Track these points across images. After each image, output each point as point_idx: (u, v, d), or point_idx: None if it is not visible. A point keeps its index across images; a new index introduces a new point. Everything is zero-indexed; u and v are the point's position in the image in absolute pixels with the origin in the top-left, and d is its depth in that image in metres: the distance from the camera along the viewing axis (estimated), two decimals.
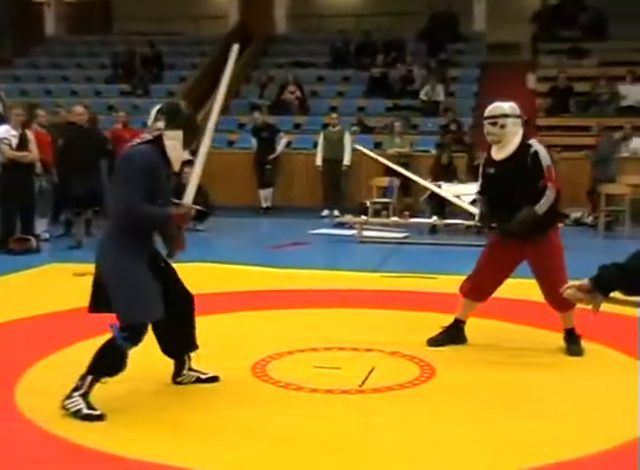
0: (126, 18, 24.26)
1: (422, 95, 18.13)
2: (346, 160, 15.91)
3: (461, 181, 13.91)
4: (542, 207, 6.05)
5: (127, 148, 4.92)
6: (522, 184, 6.07)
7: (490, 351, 6.37)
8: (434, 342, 6.48)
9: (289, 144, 16.90)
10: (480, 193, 6.59)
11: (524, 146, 6.12)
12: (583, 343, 6.42)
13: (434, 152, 15.84)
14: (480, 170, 6.49)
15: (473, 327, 7.08)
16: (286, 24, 23.29)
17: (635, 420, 4.77)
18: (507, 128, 6.12)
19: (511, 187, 6.11)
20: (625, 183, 14.67)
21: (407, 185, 15.47)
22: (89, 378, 4.78)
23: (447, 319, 7.30)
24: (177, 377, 5.42)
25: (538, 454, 4.30)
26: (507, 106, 6.23)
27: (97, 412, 4.74)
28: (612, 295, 3.00)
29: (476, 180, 13.29)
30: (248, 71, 20.85)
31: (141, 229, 4.89)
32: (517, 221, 6.05)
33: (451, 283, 8.95)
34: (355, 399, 5.25)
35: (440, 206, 13.74)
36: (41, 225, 11.97)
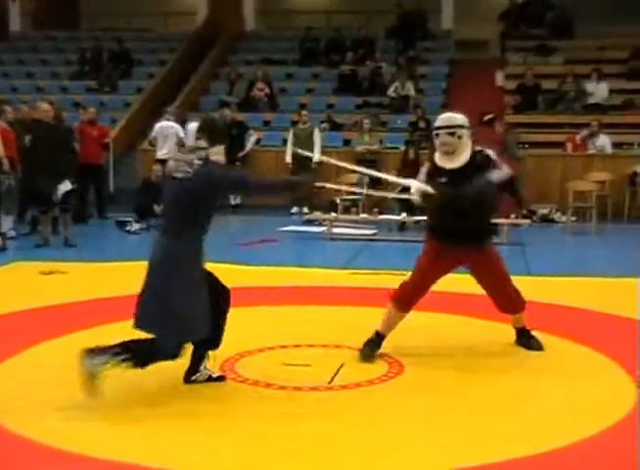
0: (94, 13, 24.13)
1: (390, 92, 18.18)
2: (316, 157, 15.90)
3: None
4: (496, 176, 6.00)
5: (195, 175, 4.98)
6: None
7: (459, 347, 6.39)
8: (364, 356, 6.10)
9: (258, 141, 16.88)
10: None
11: (475, 153, 6.10)
12: (545, 337, 6.51)
13: (403, 149, 15.86)
14: (424, 179, 6.22)
15: (441, 324, 7.12)
16: (255, 21, 23.25)
17: (598, 414, 4.82)
18: (463, 139, 6.08)
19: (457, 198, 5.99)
20: (592, 180, 14.81)
21: (376, 182, 15.49)
22: (124, 355, 4.91)
23: (416, 316, 7.33)
24: (192, 375, 5.35)
25: (502, 450, 4.32)
26: (460, 117, 6.20)
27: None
28: None
29: None
30: (216, 68, 20.80)
31: (202, 243, 5.26)
32: (473, 189, 5.92)
33: None
34: (324, 395, 5.25)
35: (409, 202, 13.77)
36: (7, 223, 11.84)
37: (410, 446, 4.45)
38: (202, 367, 5.38)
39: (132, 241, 12.46)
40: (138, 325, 5.02)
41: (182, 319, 4.93)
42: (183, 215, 5.03)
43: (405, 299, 6.25)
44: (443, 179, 6.08)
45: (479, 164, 6.04)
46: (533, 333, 6.51)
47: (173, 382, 5.34)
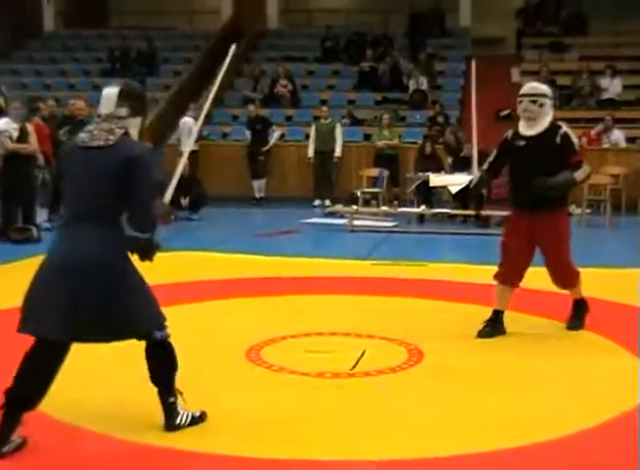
0: (122, 12, 24.20)
1: (411, 86, 18.15)
2: (337, 151, 15.94)
3: (447, 172, 13.94)
4: (580, 175, 6.24)
5: (118, 145, 4.09)
6: (548, 159, 6.19)
7: (475, 335, 6.39)
8: (482, 335, 6.36)
9: (281, 136, 16.90)
10: (488, 166, 6.69)
11: (554, 126, 6.28)
12: (558, 325, 6.57)
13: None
14: (500, 144, 6.58)
15: (458, 313, 7.12)
16: (277, 20, 23.24)
17: (613, 399, 4.82)
18: (544, 108, 6.26)
19: (538, 161, 6.20)
20: (606, 173, 14.73)
21: (396, 176, 15.50)
22: (175, 396, 4.40)
23: (435, 305, 7.36)
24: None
25: (516, 435, 4.33)
26: (544, 87, 6.46)
27: (197, 413, 4.49)
28: None
29: (462, 170, 13.48)
30: (240, 65, 20.81)
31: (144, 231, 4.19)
32: (557, 181, 6.14)
33: (439, 270, 9.05)
34: (346, 382, 5.27)
35: (428, 195, 13.79)
36: (42, 215, 11.96)
37: (428, 429, 4.47)
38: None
39: (159, 231, 12.47)
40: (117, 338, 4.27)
41: (152, 304, 4.30)
42: (113, 191, 4.07)
43: (503, 275, 6.47)
44: (521, 143, 6.31)
45: (559, 141, 6.23)
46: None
47: (198, 367, 5.38)
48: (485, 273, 8.74)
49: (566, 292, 6.73)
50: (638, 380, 5.15)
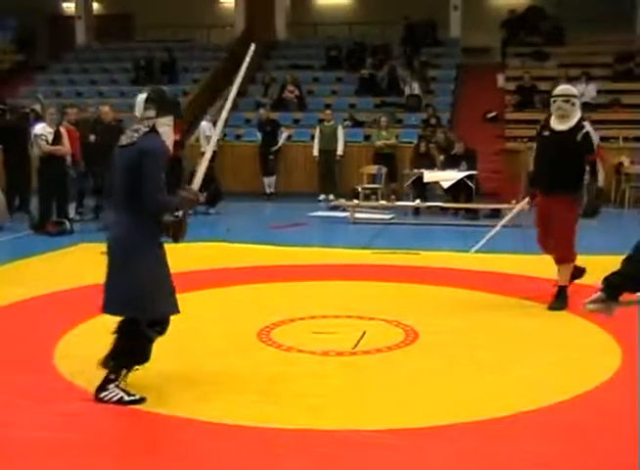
0: (146, 27, 24.14)
1: (407, 91, 18.10)
2: (340, 150, 15.88)
3: (439, 168, 13.90)
4: (600, 179, 6.70)
5: (142, 142, 4.29)
6: (568, 153, 6.45)
7: (467, 317, 6.37)
8: (555, 307, 6.55)
9: (289, 137, 16.85)
10: (537, 158, 6.87)
11: (579, 125, 6.50)
12: (541, 307, 6.56)
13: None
14: (536, 135, 6.89)
15: (450, 297, 7.10)
16: (285, 32, 23.15)
17: (591, 373, 4.81)
18: (575, 107, 6.53)
19: (559, 153, 6.46)
20: None
21: (393, 173, 15.46)
22: (124, 371, 4.40)
23: (428, 290, 7.35)
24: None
25: (506, 405, 4.32)
26: (575, 89, 6.82)
27: (137, 397, 4.39)
28: (622, 299, 3.15)
29: (453, 167, 13.44)
30: (252, 73, 20.75)
31: (157, 217, 4.39)
32: (590, 201, 6.65)
33: (432, 258, 9.03)
34: (349, 360, 5.27)
35: (422, 190, 13.76)
36: (71, 209, 12.04)
37: (421, 401, 4.47)
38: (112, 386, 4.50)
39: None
40: (107, 311, 4.49)
41: (152, 297, 4.35)
42: (132, 185, 4.27)
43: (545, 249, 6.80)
44: (547, 133, 6.62)
45: (580, 139, 6.47)
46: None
47: (214, 347, 5.37)
48: (474, 261, 8.77)
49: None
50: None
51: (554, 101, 6.57)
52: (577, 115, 6.54)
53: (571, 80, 17.40)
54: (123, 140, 4.41)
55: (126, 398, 4.36)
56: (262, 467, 3.69)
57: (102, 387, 4.38)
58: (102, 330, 5.83)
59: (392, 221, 12.69)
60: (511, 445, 3.86)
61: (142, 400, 4.38)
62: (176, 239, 4.53)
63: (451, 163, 13.59)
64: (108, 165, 10.86)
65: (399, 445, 3.86)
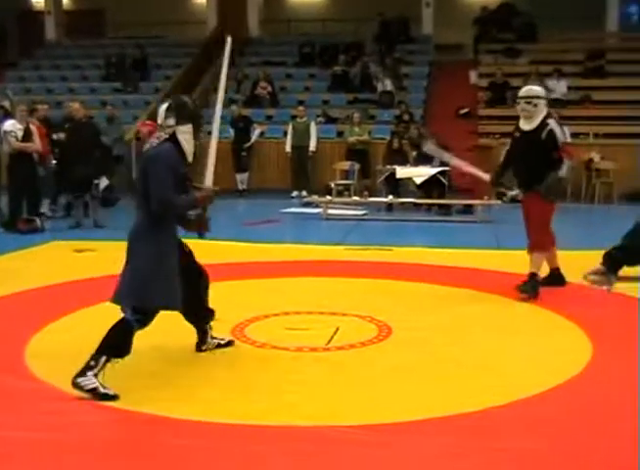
0: (118, 23, 23.98)
1: (379, 88, 18.14)
2: (312, 146, 15.87)
3: (412, 164, 13.93)
4: (563, 172, 6.73)
5: (149, 149, 4.68)
6: (535, 151, 6.66)
7: (441, 313, 6.40)
8: (522, 289, 6.79)
9: (262, 134, 16.82)
10: (507, 154, 7.20)
11: (543, 123, 6.67)
12: (512, 302, 6.63)
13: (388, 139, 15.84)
14: (511, 135, 7.12)
15: (423, 292, 7.13)
16: (258, 28, 23.09)
17: (563, 366, 4.85)
18: (538, 107, 6.68)
19: (528, 152, 6.71)
20: None
21: (366, 169, 15.49)
22: (103, 358, 4.46)
23: (401, 286, 7.37)
24: (202, 345, 5.29)
25: (478, 400, 4.34)
26: (539, 89, 6.93)
27: (111, 392, 4.41)
28: (622, 274, 3.22)
29: (425, 163, 13.52)
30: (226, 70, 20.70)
31: (170, 218, 4.71)
32: (547, 186, 6.73)
33: (405, 254, 9.06)
34: (322, 355, 5.27)
35: (395, 186, 13.80)
36: (45, 206, 11.96)
37: (394, 396, 4.49)
38: (208, 339, 5.30)
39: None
40: (111, 300, 4.69)
41: (142, 286, 4.54)
42: (143, 191, 4.60)
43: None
44: (517, 134, 6.88)
45: (544, 137, 6.65)
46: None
47: (188, 344, 5.35)
48: (447, 256, 8.81)
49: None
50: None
51: (518, 103, 6.80)
52: (542, 114, 6.71)
53: (542, 77, 17.58)
54: (147, 146, 4.74)
55: (101, 389, 4.40)
56: (239, 465, 3.69)
57: (81, 372, 4.44)
58: (73, 329, 5.84)
59: (365, 217, 12.71)
60: (485, 439, 3.89)
61: (115, 398, 4.39)
62: (201, 234, 4.98)
63: (424, 159, 13.62)
64: (80, 162, 10.97)
65: (374, 440, 3.87)
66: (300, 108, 16.35)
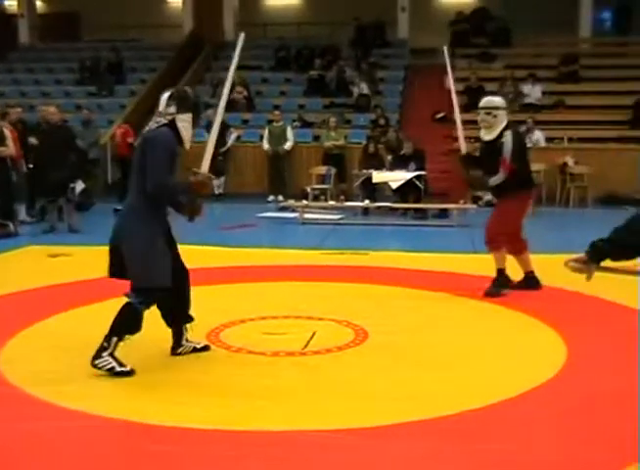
0: (92, 26, 23.87)
1: (355, 92, 18.19)
2: (287, 146, 15.90)
3: (388, 169, 13.96)
4: (493, 181, 6.90)
5: (148, 132, 4.90)
6: (492, 161, 6.86)
7: (416, 316, 6.42)
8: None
9: (238, 138, 16.81)
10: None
11: (501, 135, 6.85)
12: (485, 304, 6.68)
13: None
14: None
15: (399, 296, 7.15)
16: (234, 32, 23.06)
17: (537, 369, 4.88)
18: (497, 118, 6.88)
19: (490, 161, 6.90)
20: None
21: (342, 173, 15.52)
22: (114, 339, 4.78)
23: (378, 290, 7.40)
24: (177, 348, 5.31)
25: (452, 404, 4.36)
26: (498, 100, 7.12)
27: (127, 368, 4.79)
28: (603, 264, 3.28)
29: (401, 168, 13.56)
30: (201, 74, 20.67)
31: (162, 203, 4.90)
32: (473, 177, 7.33)
33: (381, 258, 9.09)
34: (299, 360, 5.27)
35: (371, 191, 13.83)
36: (22, 211, 11.88)
37: (370, 400, 4.49)
38: (183, 341, 5.31)
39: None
40: (113, 273, 4.93)
41: (141, 268, 4.77)
42: (138, 170, 4.81)
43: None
44: (477, 145, 7.26)
45: (498, 148, 6.81)
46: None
47: (163, 349, 5.33)
48: (423, 260, 8.85)
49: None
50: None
51: (478, 113, 6.97)
52: (501, 124, 6.89)
53: (517, 81, 17.72)
54: (144, 130, 4.96)
55: (117, 368, 4.75)
56: None
57: (97, 355, 4.76)
58: (48, 335, 5.79)
59: (342, 222, 12.73)
60: (460, 443, 3.90)
61: (131, 373, 4.77)
62: (192, 218, 5.04)
63: (400, 163, 13.68)
64: (54, 166, 10.88)
65: (351, 444, 3.87)
66: (276, 112, 16.38)
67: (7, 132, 10.98)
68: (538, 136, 15.91)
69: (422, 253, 9.41)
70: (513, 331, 6.02)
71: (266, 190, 15.88)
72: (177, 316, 5.27)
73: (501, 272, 7.10)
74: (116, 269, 4.88)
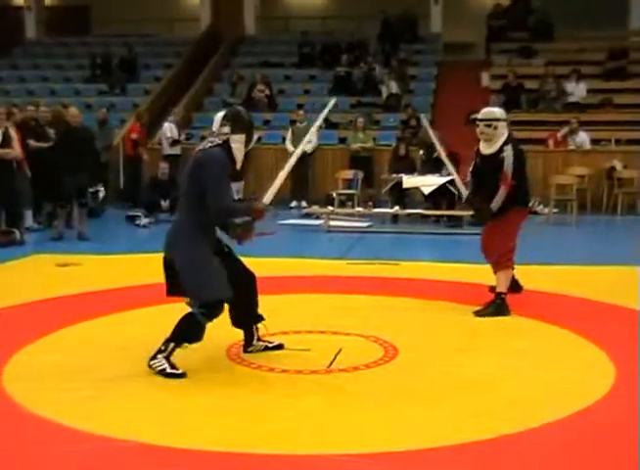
0: (104, 20, 24.06)
1: (384, 91, 18.21)
2: (308, 148, 15.86)
3: (419, 173, 13.90)
4: (496, 204, 6.93)
5: (203, 151, 5.20)
6: (494, 176, 6.91)
7: (449, 332, 6.39)
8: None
9: (258, 139, 16.84)
10: (471, 175, 7.40)
11: (502, 148, 6.93)
12: (526, 321, 6.63)
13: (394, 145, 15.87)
14: (474, 157, 7.34)
15: (431, 310, 7.13)
16: (254, 26, 23.20)
17: (579, 392, 4.84)
18: (498, 130, 6.94)
19: (488, 177, 6.99)
20: (572, 174, 14.83)
21: (370, 178, 15.51)
22: (172, 344, 5.18)
23: (408, 303, 7.39)
24: (248, 347, 5.78)
25: (489, 428, 4.33)
26: (498, 111, 7.13)
27: (179, 371, 5.16)
28: None
29: (434, 172, 13.52)
30: (219, 71, 20.78)
31: (218, 224, 5.34)
32: (478, 213, 7.33)
33: (412, 269, 9.06)
34: (324, 378, 5.26)
35: (401, 196, 13.79)
36: (28, 218, 11.98)
37: (400, 423, 4.47)
38: (254, 341, 5.78)
39: (142, 234, 12.46)
40: (174, 293, 5.33)
41: (203, 282, 5.15)
42: (189, 189, 5.19)
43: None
44: (479, 160, 7.17)
45: (499, 163, 6.89)
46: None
47: (182, 366, 5.34)
48: (457, 271, 8.81)
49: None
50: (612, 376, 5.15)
51: (477, 125, 7.07)
52: (502, 137, 6.96)
53: (559, 79, 17.65)
54: (198, 148, 5.29)
55: (169, 369, 5.15)
56: None
57: (153, 356, 5.20)
58: (55, 350, 5.83)
59: (370, 230, 12.73)
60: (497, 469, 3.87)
61: (183, 375, 5.15)
62: (241, 241, 5.40)
63: (432, 167, 13.63)
64: (70, 170, 10.94)
65: None
66: (300, 112, 16.41)
67: (13, 134, 11.07)
68: (583, 138, 15.83)
69: (456, 263, 9.37)
70: (556, 349, 5.97)
71: (288, 195, 15.90)
72: (247, 318, 5.73)
73: (501, 294, 7.04)
74: (174, 287, 5.29)
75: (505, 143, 6.94)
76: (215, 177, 5.10)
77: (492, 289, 7.21)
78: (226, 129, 5.25)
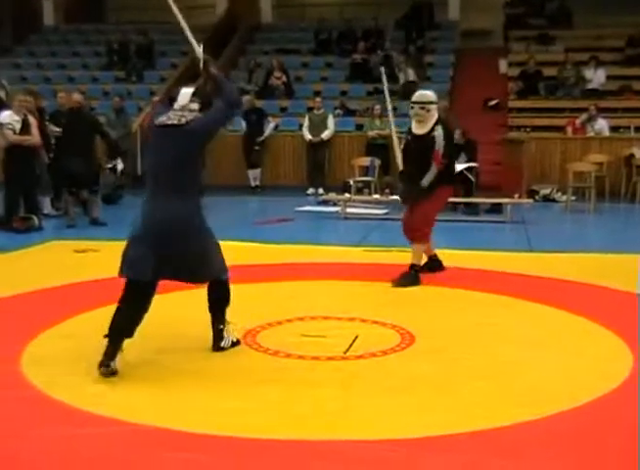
0: (120, 7, 24.10)
1: (401, 78, 18.16)
2: (325, 135, 15.89)
3: None
4: (426, 181, 7.41)
5: (187, 123, 5.06)
6: (423, 155, 7.40)
7: (465, 319, 6.39)
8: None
9: (275, 127, 16.86)
10: (402, 153, 7.88)
11: (432, 129, 7.39)
12: (544, 309, 6.61)
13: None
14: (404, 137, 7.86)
15: (448, 297, 7.13)
16: (271, 13, 23.17)
17: (596, 380, 4.83)
18: (430, 112, 7.42)
19: (419, 154, 7.45)
20: (591, 161, 14.75)
21: (387, 165, 15.48)
22: (222, 315, 5.44)
23: (425, 290, 7.39)
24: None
25: (505, 415, 4.33)
26: (431, 94, 7.58)
27: (235, 339, 5.54)
28: None
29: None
30: (235, 58, 20.77)
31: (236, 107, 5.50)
32: (407, 195, 7.75)
33: None
34: (340, 364, 5.27)
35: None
36: (47, 204, 12.06)
37: (417, 409, 4.47)
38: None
39: None
40: (198, 280, 5.43)
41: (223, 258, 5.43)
42: (183, 164, 5.10)
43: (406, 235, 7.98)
44: (409, 138, 7.65)
45: (429, 142, 7.36)
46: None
47: (202, 351, 5.37)
48: (474, 258, 8.80)
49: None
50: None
51: (412, 107, 7.50)
52: (433, 119, 7.41)
53: (578, 65, 17.54)
54: (166, 120, 5.07)
55: (234, 339, 5.52)
56: None
57: (219, 338, 5.43)
58: (73, 335, 5.87)
59: (387, 217, 12.70)
60: (511, 457, 3.87)
61: (236, 344, 5.52)
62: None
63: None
64: (76, 156, 10.96)
65: (392, 457, 3.86)
66: (317, 99, 16.40)
67: (32, 120, 11.11)
68: (602, 125, 15.75)
69: (473, 251, 9.36)
70: (573, 337, 5.95)
71: (305, 182, 15.91)
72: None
73: (415, 266, 7.64)
74: (196, 276, 5.34)
75: (436, 123, 7.38)
76: (210, 117, 5.20)
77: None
78: (195, 106, 5.18)
